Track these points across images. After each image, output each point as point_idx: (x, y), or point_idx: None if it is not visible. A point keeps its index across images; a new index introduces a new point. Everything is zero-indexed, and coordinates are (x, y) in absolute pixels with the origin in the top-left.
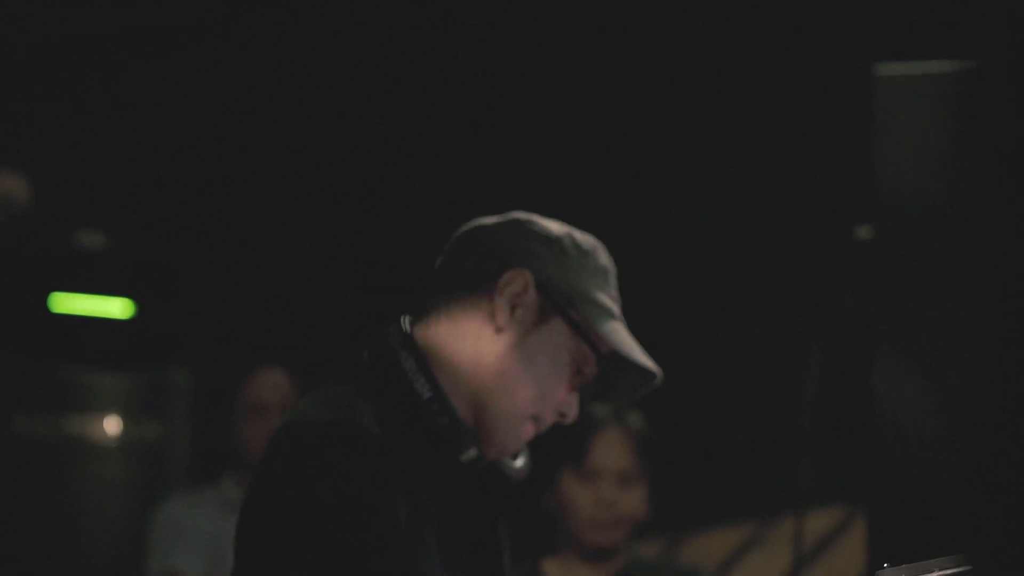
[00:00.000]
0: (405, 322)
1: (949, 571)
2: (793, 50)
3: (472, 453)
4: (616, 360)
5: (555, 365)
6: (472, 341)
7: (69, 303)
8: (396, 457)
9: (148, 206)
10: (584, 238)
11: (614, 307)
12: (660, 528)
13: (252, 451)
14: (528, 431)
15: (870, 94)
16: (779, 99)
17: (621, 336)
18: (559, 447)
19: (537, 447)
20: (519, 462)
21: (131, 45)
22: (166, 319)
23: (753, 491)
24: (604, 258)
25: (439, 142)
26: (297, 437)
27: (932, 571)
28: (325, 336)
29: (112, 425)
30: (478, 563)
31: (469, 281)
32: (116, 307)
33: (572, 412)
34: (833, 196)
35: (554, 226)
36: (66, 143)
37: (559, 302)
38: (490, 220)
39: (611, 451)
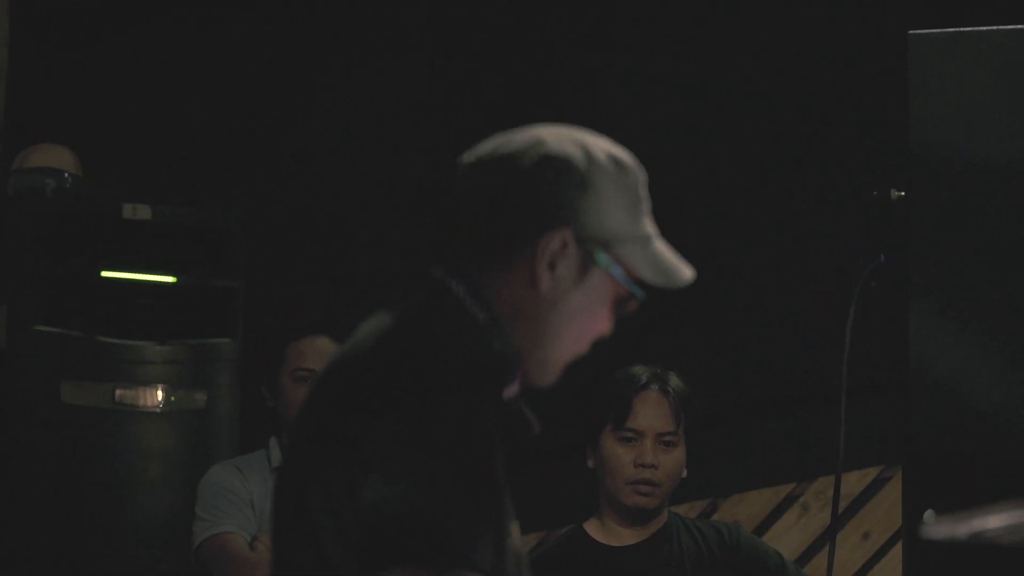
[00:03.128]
0: (439, 269)
1: (994, 520)
2: (828, 9)
3: (514, 388)
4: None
5: (599, 310)
6: (513, 296)
7: (117, 272)
8: (494, 384)
9: (191, 176)
10: (607, 161)
11: (649, 226)
12: (700, 489)
13: None
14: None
15: (904, 55)
16: (815, 59)
17: (661, 264)
18: (600, 408)
19: (578, 409)
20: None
21: (175, 14)
22: (211, 287)
23: (791, 451)
24: (631, 176)
25: (475, 118)
26: (394, 362)
27: (973, 520)
28: (370, 304)
29: (158, 394)
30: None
31: (507, 239)
32: (162, 276)
33: (608, 332)
34: (868, 156)
35: (577, 154)
36: (111, 115)
37: (599, 254)
38: (521, 161)
39: (651, 412)
